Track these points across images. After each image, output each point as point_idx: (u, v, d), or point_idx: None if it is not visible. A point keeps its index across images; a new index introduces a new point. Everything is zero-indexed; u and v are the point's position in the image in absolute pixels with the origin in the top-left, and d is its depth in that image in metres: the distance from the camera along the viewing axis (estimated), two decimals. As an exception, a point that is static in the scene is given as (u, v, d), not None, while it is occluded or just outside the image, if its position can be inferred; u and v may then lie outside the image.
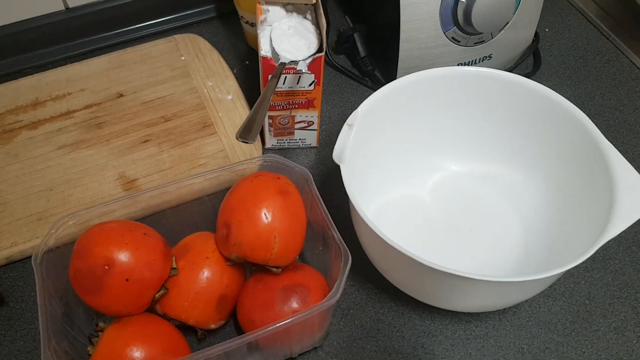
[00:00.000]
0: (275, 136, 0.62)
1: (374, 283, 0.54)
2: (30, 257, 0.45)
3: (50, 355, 0.39)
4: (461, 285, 0.45)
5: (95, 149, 0.61)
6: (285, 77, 0.55)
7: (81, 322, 0.47)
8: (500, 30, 0.64)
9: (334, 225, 0.46)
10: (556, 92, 0.53)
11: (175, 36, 0.71)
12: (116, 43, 0.73)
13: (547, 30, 0.76)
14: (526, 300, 0.54)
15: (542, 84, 0.54)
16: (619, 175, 0.47)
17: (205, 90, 0.66)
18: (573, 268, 0.54)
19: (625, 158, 0.48)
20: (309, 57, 0.54)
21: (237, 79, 0.68)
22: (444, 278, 0.44)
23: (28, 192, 0.58)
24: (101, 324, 0.45)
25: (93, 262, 0.43)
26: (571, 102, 0.52)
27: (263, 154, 0.63)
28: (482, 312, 0.53)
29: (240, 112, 0.64)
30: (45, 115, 0.64)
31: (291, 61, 0.54)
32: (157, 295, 0.46)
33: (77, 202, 0.57)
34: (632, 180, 0.47)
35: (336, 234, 0.45)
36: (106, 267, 0.43)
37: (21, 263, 0.55)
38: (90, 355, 0.44)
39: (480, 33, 0.63)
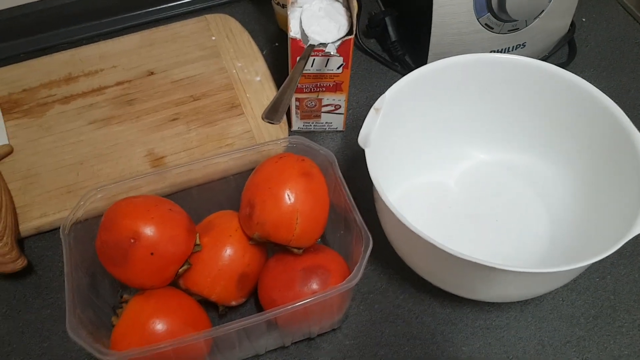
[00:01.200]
0: (302, 119, 0.62)
1: (395, 268, 0.54)
2: (58, 228, 0.46)
3: (75, 323, 0.40)
4: (484, 275, 0.45)
5: (126, 125, 0.62)
6: (314, 59, 0.55)
7: (106, 293, 0.49)
8: (535, 18, 0.63)
9: (356, 208, 0.46)
10: (590, 83, 0.52)
11: (206, 16, 0.72)
12: (148, 21, 0.73)
13: (584, 20, 0.74)
14: (549, 293, 0.53)
15: (576, 75, 0.52)
16: (651, 169, 0.46)
17: (234, 71, 0.66)
18: (598, 263, 0.54)
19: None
20: (338, 39, 0.54)
21: (266, 60, 0.68)
22: (466, 267, 0.43)
23: (59, 165, 0.59)
24: (125, 296, 0.46)
25: (119, 234, 0.44)
26: (605, 94, 0.51)
27: (289, 136, 0.63)
28: (503, 303, 0.52)
29: (268, 93, 0.64)
30: (77, 91, 0.65)
31: (320, 43, 0.54)
32: (180, 270, 0.46)
33: (106, 177, 0.58)
34: (665, 175, 0.46)
35: (358, 218, 0.45)
36: (132, 240, 0.44)
37: (50, 234, 0.56)
38: (114, 325, 0.45)
39: (515, 20, 0.62)
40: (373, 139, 0.49)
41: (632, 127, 0.49)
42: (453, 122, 0.58)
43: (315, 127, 0.63)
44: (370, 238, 0.44)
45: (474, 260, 0.42)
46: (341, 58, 0.55)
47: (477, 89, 0.56)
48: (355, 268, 0.43)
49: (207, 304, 0.49)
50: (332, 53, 0.53)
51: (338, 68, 0.56)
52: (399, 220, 0.44)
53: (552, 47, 0.69)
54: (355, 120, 0.65)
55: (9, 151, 0.60)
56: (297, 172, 0.47)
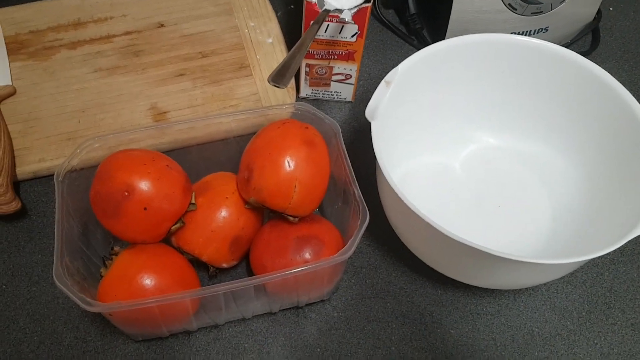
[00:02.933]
0: (310, 86, 0.61)
1: (390, 245, 0.53)
2: (56, 174, 0.45)
3: (61, 271, 0.40)
4: (479, 260, 0.44)
5: (131, 76, 0.61)
6: (328, 25, 0.53)
7: (98, 244, 0.48)
8: (561, 3, 0.61)
9: (356, 182, 0.45)
10: (611, 75, 0.50)
11: (222, -30, 0.70)
12: (163, -28, 0.71)
13: (611, 9, 0.71)
14: (544, 284, 0.52)
15: (598, 65, 0.51)
16: (663, 169, 0.45)
17: (246, 31, 0.65)
18: (598, 258, 0.53)
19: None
20: (355, 6, 0.52)
21: (280, 22, 0.66)
22: (462, 250, 0.43)
23: (61, 111, 0.58)
24: (116, 248, 0.46)
25: (113, 187, 0.43)
26: (626, 87, 0.49)
27: (296, 102, 0.62)
28: (497, 289, 0.52)
29: (278, 56, 0.63)
30: (85, 37, 0.64)
31: (336, 9, 0.52)
32: (173, 228, 0.46)
33: (108, 127, 0.58)
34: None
35: (357, 191, 0.44)
36: (126, 194, 0.43)
37: (47, 179, 0.56)
38: (102, 276, 0.44)
39: (540, 3, 0.60)
40: (381, 113, 0.48)
41: (649, 124, 0.47)
42: (464, 103, 0.56)
43: (324, 95, 0.62)
44: (368, 214, 0.43)
45: (469, 244, 0.41)
46: (356, 26, 0.53)
47: (492, 71, 0.54)
48: (349, 242, 0.42)
49: (199, 264, 0.49)
50: (347, 20, 0.51)
51: (352, 36, 0.55)
52: (398, 198, 0.43)
53: (575, 34, 0.67)
54: (365, 92, 0.63)
55: (12, 92, 0.59)
56: (299, 140, 0.46)
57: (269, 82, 0.44)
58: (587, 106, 0.52)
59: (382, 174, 0.44)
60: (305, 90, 0.62)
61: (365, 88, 0.64)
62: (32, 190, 0.55)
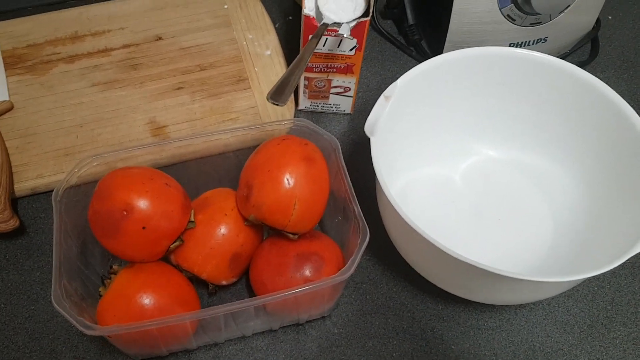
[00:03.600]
0: (309, 98, 0.61)
1: (391, 260, 0.53)
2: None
3: (60, 294, 0.39)
4: (479, 276, 0.43)
5: (129, 90, 0.61)
6: (326, 38, 0.53)
7: (96, 263, 0.48)
8: (559, 13, 0.61)
9: (355, 199, 0.45)
10: (610, 85, 0.50)
11: (220, -17, 0.70)
12: (161, -17, 0.71)
13: (610, 17, 0.71)
14: (545, 298, 0.52)
15: (597, 74, 0.50)
16: (664, 182, 0.45)
17: (245, 43, 0.65)
18: (599, 272, 0.53)
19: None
20: (354, 20, 0.52)
21: (278, 34, 0.66)
22: (462, 267, 0.42)
23: (58, 126, 0.58)
24: (115, 267, 0.46)
25: (112, 206, 0.43)
26: (625, 97, 0.49)
27: (295, 115, 0.61)
28: (497, 304, 0.51)
29: (277, 69, 0.63)
30: (83, 50, 0.64)
31: (334, 22, 0.52)
32: (172, 246, 0.46)
33: (105, 142, 0.57)
34: (678, 190, 0.44)
35: (357, 208, 0.44)
36: (124, 213, 0.43)
37: (45, 196, 0.55)
38: (101, 296, 0.44)
39: (538, 14, 0.59)
40: (380, 128, 0.47)
41: (647, 136, 0.47)
42: (464, 116, 0.56)
43: (323, 107, 0.62)
44: (368, 231, 0.43)
45: (469, 261, 0.41)
46: (355, 40, 0.53)
47: (491, 84, 0.54)
48: (350, 261, 0.42)
49: (198, 282, 0.49)
50: (345, 35, 0.51)
51: (351, 50, 0.54)
52: (398, 215, 0.43)
53: (574, 43, 0.66)
54: (364, 104, 0.63)
55: (9, 107, 0.59)
56: (298, 156, 0.45)
57: (267, 100, 0.44)
58: (585, 117, 0.52)
59: (382, 190, 0.44)
60: (304, 103, 0.61)
61: (364, 100, 0.63)
62: (30, 206, 0.55)
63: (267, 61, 0.63)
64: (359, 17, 0.52)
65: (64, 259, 0.42)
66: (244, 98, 0.61)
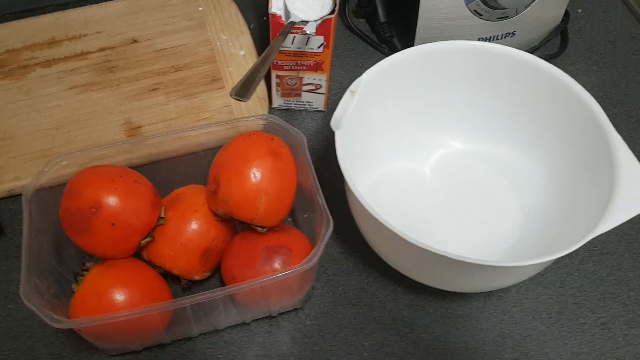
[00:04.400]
0: (282, 96, 0.62)
1: (362, 252, 0.54)
2: (31, 192, 0.46)
3: (29, 289, 0.40)
4: (447, 265, 0.44)
5: (105, 92, 0.62)
6: (294, 37, 0.54)
7: (71, 261, 0.49)
8: (526, 7, 0.62)
9: (320, 190, 0.46)
10: (579, 76, 0.51)
11: (195, -15, 0.71)
12: (137, -12, 0.72)
13: (579, 11, 0.72)
14: (514, 286, 0.53)
15: (566, 67, 0.52)
16: (623, 169, 0.46)
17: (219, 44, 0.66)
18: (567, 259, 0.54)
19: (639, 153, 0.46)
20: (320, 18, 0.53)
21: (252, 34, 0.67)
22: (429, 257, 0.43)
23: (35, 129, 0.59)
24: (88, 264, 0.47)
25: (81, 203, 0.44)
26: (594, 88, 0.50)
27: (269, 113, 0.62)
28: (467, 293, 0.52)
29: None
30: (60, 55, 0.65)
31: (302, 21, 0.53)
32: (143, 242, 0.46)
33: (82, 143, 0.58)
34: (636, 176, 0.45)
35: (321, 200, 0.45)
36: (93, 210, 0.44)
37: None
38: (74, 292, 0.45)
39: (504, 8, 0.60)
40: (347, 122, 0.48)
41: (607, 124, 0.48)
42: (432, 109, 0.57)
43: (296, 105, 0.63)
44: (331, 221, 0.44)
45: (434, 250, 0.41)
46: (321, 37, 0.54)
47: (457, 77, 0.55)
48: (313, 250, 0.43)
49: (173, 278, 0.49)
50: (308, 32, 0.52)
51: (319, 47, 0.55)
52: (365, 209, 0.44)
53: (543, 37, 0.68)
54: (337, 101, 0.62)
55: (-13, 112, 0.60)
56: (264, 151, 0.46)
57: (231, 96, 0.45)
58: (551, 110, 0.53)
59: (348, 184, 0.45)
60: (278, 101, 0.62)
61: (337, 97, 0.64)
62: (8, 208, 0.56)
63: (241, 61, 0.64)
64: (325, 16, 0.53)
65: (35, 256, 0.43)
66: (218, 97, 0.62)
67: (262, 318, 0.50)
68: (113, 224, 0.44)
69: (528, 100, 0.54)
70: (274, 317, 0.51)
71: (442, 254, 0.41)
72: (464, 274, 0.46)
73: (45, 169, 0.46)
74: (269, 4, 0.53)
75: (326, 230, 0.43)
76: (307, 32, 0.52)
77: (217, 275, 0.53)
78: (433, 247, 0.42)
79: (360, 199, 0.44)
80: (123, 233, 0.45)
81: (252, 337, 0.50)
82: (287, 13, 0.54)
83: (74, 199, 0.44)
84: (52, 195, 0.47)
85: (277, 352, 0.49)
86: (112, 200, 0.44)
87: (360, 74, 0.66)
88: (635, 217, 0.43)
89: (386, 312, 0.51)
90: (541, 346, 0.50)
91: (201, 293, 0.41)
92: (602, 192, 0.47)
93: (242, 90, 0.46)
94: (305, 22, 0.53)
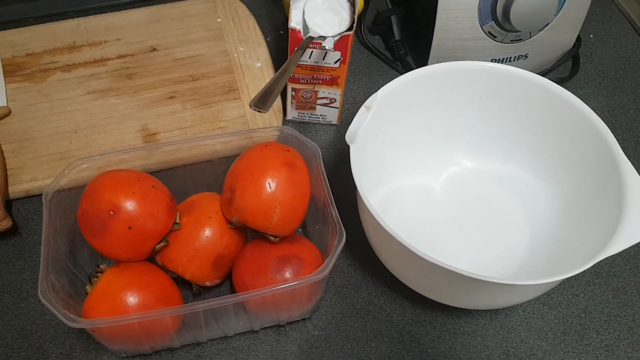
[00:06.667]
0: (296, 109, 0.63)
1: (371, 265, 0.54)
2: (47, 193, 0.47)
3: (46, 288, 0.41)
4: (455, 281, 0.45)
5: (123, 98, 0.63)
6: (312, 51, 0.55)
7: (85, 262, 0.50)
8: (539, 31, 0.63)
9: (333, 202, 0.46)
10: (590, 100, 0.52)
11: (215, -3, 0.72)
12: (158, -3, 0.74)
13: (591, 36, 0.73)
14: (520, 305, 0.53)
15: (577, 90, 0.52)
16: (631, 194, 0.46)
17: (236, 55, 0.67)
18: (573, 280, 0.54)
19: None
20: (338, 34, 0.54)
21: (269, 47, 0.68)
22: (438, 272, 0.44)
23: (54, 132, 0.60)
24: (102, 266, 0.47)
25: (99, 206, 0.45)
26: (604, 113, 0.51)
27: (283, 124, 0.63)
28: (474, 310, 0.53)
29: (266, 80, 0.65)
30: (80, 60, 0.66)
31: (320, 36, 0.54)
32: (157, 247, 0.47)
33: (98, 147, 0.59)
34: (644, 200, 0.46)
35: (334, 212, 0.46)
36: (111, 213, 0.45)
37: (38, 198, 0.57)
38: (87, 293, 0.46)
39: (518, 31, 0.62)
40: (361, 137, 0.49)
41: (617, 147, 0.49)
42: (444, 127, 0.58)
43: (310, 118, 0.64)
44: (344, 234, 0.45)
45: (444, 266, 0.42)
46: (338, 53, 0.55)
47: (470, 97, 0.56)
48: (325, 261, 0.43)
49: (184, 283, 0.50)
50: (327, 48, 0.53)
51: (335, 62, 0.56)
52: (376, 221, 0.44)
53: (555, 60, 0.69)
54: (350, 116, 0.65)
55: (7, 113, 0.61)
56: (280, 162, 0.47)
57: (251, 107, 0.46)
58: (562, 132, 0.54)
59: (360, 197, 0.46)
60: (292, 113, 0.63)
61: (350, 111, 0.65)
62: (24, 208, 0.57)
63: (258, 72, 0.66)
64: (343, 32, 0.54)
65: (52, 256, 0.44)
66: (234, 107, 0.63)
67: (271, 326, 0.51)
68: (130, 228, 0.45)
69: (539, 121, 0.55)
70: (282, 326, 0.51)
71: (450, 268, 0.42)
72: (471, 289, 0.46)
73: (66, 171, 0.47)
74: (289, 19, 0.55)
75: (339, 242, 0.44)
76: (326, 47, 0.53)
77: (227, 282, 0.53)
78: (442, 261, 0.42)
79: (373, 212, 0.45)
80: (139, 237, 0.46)
81: (259, 345, 0.50)
82: (306, 28, 0.55)
83: (93, 202, 0.45)
84: (69, 197, 0.48)
85: (284, 361, 0.50)
86: (129, 205, 0.45)
87: (373, 90, 0.67)
88: (642, 241, 0.44)
89: (393, 325, 0.52)
90: (545, 365, 0.50)
91: (214, 298, 0.42)
92: (610, 215, 0.47)
93: (261, 102, 0.47)
94: (324, 38, 0.54)
